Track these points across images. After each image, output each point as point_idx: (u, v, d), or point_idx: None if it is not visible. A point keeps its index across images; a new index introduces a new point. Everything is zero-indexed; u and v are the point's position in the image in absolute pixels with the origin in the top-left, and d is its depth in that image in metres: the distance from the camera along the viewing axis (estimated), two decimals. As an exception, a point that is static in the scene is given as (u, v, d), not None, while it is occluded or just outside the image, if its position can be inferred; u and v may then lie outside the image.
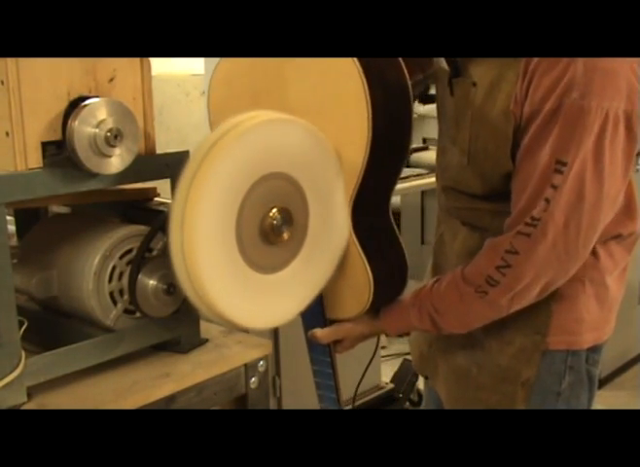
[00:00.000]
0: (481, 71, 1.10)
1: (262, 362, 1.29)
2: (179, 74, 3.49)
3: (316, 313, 1.13)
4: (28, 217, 1.42)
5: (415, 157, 2.81)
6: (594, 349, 1.21)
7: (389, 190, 1.12)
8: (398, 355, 3.06)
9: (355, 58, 0.99)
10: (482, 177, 1.13)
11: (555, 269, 1.07)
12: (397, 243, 1.13)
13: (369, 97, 0.98)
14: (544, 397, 1.19)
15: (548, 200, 1.02)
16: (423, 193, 3.44)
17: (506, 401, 1.19)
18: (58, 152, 1.08)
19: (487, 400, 1.21)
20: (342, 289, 1.11)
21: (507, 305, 1.09)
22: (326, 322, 1.15)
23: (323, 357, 1.18)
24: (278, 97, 1.06)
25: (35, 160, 1.06)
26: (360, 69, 0.98)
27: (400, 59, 1.04)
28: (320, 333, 1.16)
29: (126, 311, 1.20)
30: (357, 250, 1.07)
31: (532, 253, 1.04)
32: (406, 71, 1.04)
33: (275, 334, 2.19)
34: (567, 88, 0.99)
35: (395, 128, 1.05)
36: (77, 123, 1.05)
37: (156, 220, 1.19)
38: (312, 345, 1.19)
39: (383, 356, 2.85)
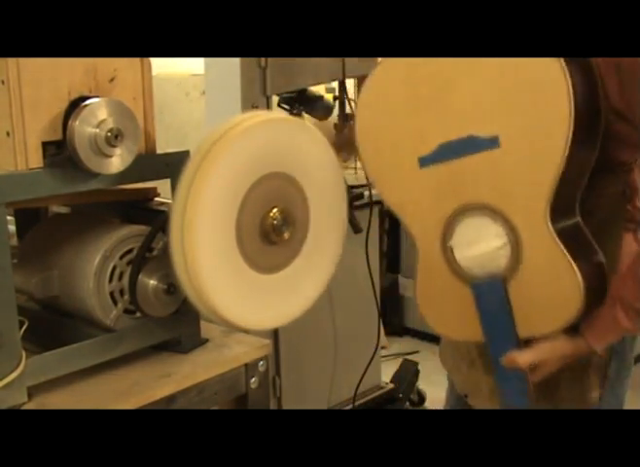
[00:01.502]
0: None
1: (262, 362, 1.29)
2: (179, 74, 3.49)
3: (506, 334, 0.98)
4: (28, 217, 1.42)
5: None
6: (634, 335, 1.16)
7: (581, 184, 0.99)
8: (398, 355, 3.06)
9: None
10: None
11: None
12: (592, 244, 1.00)
13: (569, 79, 0.88)
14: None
15: None
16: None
17: (577, 388, 1.11)
18: (59, 152, 1.08)
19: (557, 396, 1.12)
20: (543, 298, 0.97)
21: None
22: (518, 343, 1.00)
23: (522, 386, 1.00)
24: (446, 101, 0.96)
25: (36, 159, 1.06)
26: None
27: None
28: (519, 355, 1.00)
29: (127, 311, 1.20)
30: (560, 251, 0.94)
31: None
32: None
33: (275, 334, 2.19)
34: None
35: (591, 116, 0.93)
36: (77, 122, 1.05)
37: (156, 220, 1.19)
38: (504, 376, 1.02)
39: (383, 356, 2.85)
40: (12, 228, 1.41)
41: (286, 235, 1.01)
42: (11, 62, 1.02)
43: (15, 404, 1.07)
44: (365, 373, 2.36)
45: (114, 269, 1.18)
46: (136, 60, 1.16)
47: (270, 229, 0.99)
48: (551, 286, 0.95)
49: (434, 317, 1.05)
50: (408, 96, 1.01)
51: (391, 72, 1.05)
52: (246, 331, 1.20)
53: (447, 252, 1.00)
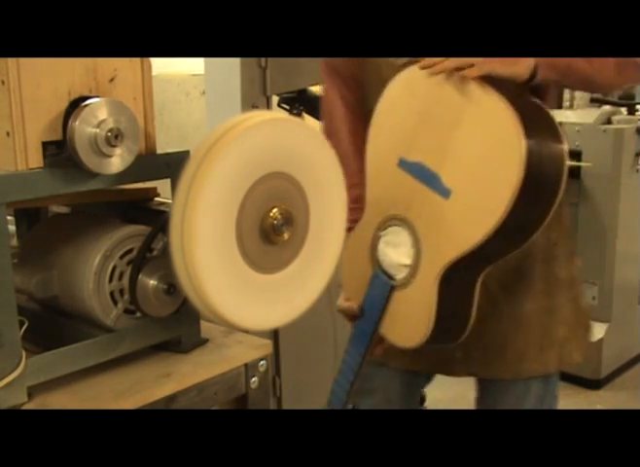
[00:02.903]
0: None
1: (262, 362, 1.29)
2: (179, 74, 3.49)
3: (372, 319, 1.15)
4: (28, 217, 1.42)
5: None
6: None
7: (499, 256, 1.09)
8: (398, 355, 3.06)
9: (519, 124, 0.96)
10: None
11: None
12: (471, 298, 1.11)
13: (523, 165, 0.96)
14: None
15: None
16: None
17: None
18: (59, 152, 1.08)
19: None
20: (403, 320, 1.12)
21: None
22: (376, 332, 1.16)
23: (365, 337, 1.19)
24: (446, 129, 1.05)
25: (36, 159, 1.06)
26: (522, 137, 0.97)
27: (562, 135, 1.02)
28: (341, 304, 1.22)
29: (127, 311, 1.20)
30: (432, 300, 1.08)
31: None
32: (565, 153, 1.02)
33: (275, 334, 2.19)
34: None
35: (534, 208, 1.02)
36: (77, 122, 1.05)
37: (157, 220, 1.19)
38: (355, 339, 1.20)
39: (383, 356, 2.85)
40: (12, 228, 1.41)
41: (286, 235, 1.01)
42: (11, 62, 1.02)
43: (15, 404, 1.07)
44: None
45: (114, 269, 1.18)
46: (136, 60, 1.16)
47: (270, 229, 0.99)
48: (412, 316, 1.11)
49: (346, 280, 1.26)
50: (422, 106, 1.10)
51: (412, 75, 1.12)
52: (246, 331, 1.20)
53: (375, 238, 1.17)
